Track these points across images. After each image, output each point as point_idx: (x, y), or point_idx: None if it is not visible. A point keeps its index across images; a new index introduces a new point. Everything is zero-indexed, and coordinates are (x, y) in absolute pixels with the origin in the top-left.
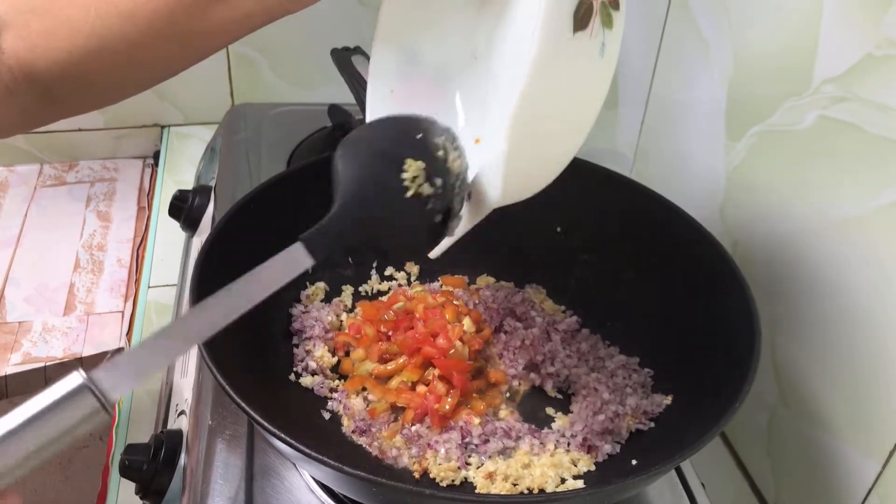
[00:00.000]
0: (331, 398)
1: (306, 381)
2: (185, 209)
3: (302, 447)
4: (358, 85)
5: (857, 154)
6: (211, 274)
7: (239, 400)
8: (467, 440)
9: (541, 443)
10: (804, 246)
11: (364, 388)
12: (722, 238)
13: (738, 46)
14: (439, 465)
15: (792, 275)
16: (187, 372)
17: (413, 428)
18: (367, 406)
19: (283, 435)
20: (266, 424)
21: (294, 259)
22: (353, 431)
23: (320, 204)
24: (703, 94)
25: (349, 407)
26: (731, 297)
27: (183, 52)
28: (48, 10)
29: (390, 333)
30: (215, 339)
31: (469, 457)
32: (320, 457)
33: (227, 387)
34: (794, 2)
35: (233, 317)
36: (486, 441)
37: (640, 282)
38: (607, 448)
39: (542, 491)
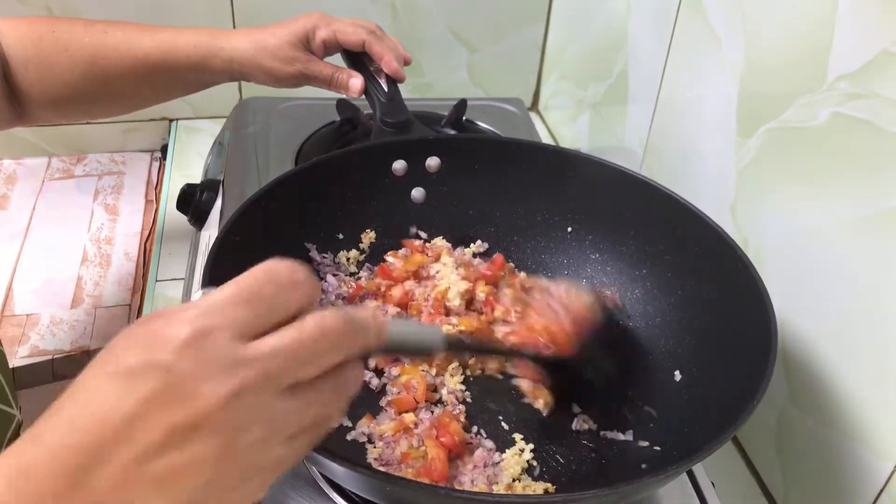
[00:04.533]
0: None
1: None
2: (193, 203)
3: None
4: (368, 81)
5: (871, 151)
6: (222, 270)
7: None
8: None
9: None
10: (816, 244)
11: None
12: (732, 235)
13: (751, 42)
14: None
15: (803, 273)
16: None
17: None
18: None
19: None
20: None
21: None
22: (374, 459)
23: (329, 200)
24: (715, 90)
25: (381, 440)
26: (746, 298)
27: (165, 97)
28: (41, 61)
29: None
30: None
31: (497, 477)
32: (333, 456)
33: None
34: None
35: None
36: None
37: (652, 280)
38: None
39: (557, 492)
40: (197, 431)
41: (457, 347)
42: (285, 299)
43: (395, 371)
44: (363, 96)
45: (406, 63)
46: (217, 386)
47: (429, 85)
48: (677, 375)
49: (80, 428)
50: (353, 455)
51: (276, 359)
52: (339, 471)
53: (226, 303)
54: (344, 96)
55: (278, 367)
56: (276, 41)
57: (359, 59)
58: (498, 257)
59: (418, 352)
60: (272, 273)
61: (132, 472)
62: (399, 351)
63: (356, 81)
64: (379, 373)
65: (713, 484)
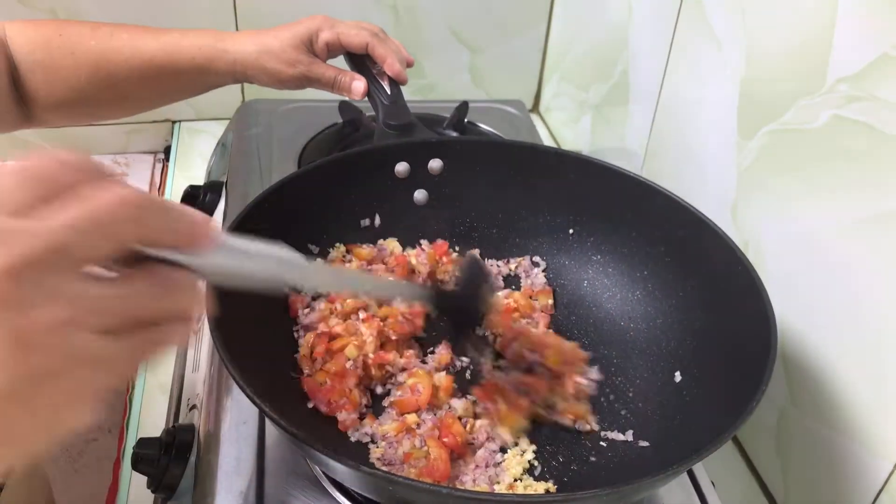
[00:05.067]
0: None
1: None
2: (196, 205)
3: (318, 446)
4: (371, 83)
5: (871, 153)
6: None
7: (254, 396)
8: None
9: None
10: (816, 246)
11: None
12: (732, 236)
13: (751, 44)
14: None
15: (803, 274)
16: (199, 367)
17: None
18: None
19: (298, 432)
20: (281, 422)
21: (416, 292)
22: (377, 459)
23: (332, 202)
24: (715, 91)
25: (383, 441)
26: (746, 299)
27: (169, 100)
28: (48, 65)
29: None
30: (230, 333)
31: (499, 476)
32: (337, 456)
33: (242, 383)
34: (808, 0)
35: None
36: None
37: (654, 282)
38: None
39: (558, 491)
40: None
41: (316, 280)
42: (75, 177)
43: (401, 377)
44: (366, 99)
45: (408, 65)
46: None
47: (430, 86)
48: (678, 376)
49: None
50: (356, 455)
51: (64, 227)
52: (342, 470)
53: (8, 181)
54: (346, 98)
55: (67, 237)
56: (279, 43)
57: (362, 61)
58: (440, 245)
59: (263, 281)
60: (59, 155)
61: None
62: (238, 283)
63: (359, 84)
64: (386, 377)
65: (713, 483)
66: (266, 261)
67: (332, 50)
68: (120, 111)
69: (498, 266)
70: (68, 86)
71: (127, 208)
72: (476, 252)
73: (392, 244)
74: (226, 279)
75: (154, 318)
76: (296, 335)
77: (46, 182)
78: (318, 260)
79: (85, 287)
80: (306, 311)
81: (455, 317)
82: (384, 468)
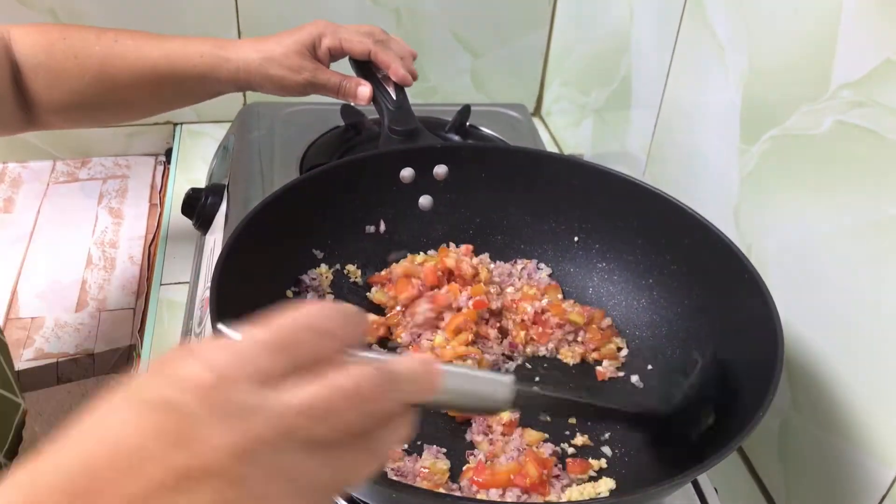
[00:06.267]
0: None
1: None
2: (197, 207)
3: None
4: (376, 89)
5: (874, 159)
6: (230, 277)
7: None
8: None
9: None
10: (819, 252)
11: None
12: (735, 241)
13: (754, 49)
14: None
15: (806, 279)
16: None
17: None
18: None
19: None
20: None
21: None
22: (390, 469)
23: (337, 208)
24: (718, 96)
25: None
26: (752, 309)
27: (171, 106)
28: (51, 68)
29: None
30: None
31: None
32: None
33: None
34: (811, 5)
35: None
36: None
37: (659, 290)
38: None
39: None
40: (204, 478)
41: (528, 402)
42: (322, 347)
43: None
44: (368, 104)
45: (413, 57)
46: (228, 433)
47: (432, 90)
48: (683, 385)
49: (89, 450)
50: None
51: (297, 413)
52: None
53: (258, 348)
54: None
55: (297, 422)
56: (282, 50)
57: (367, 66)
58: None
59: (480, 409)
60: (311, 318)
61: None
62: (455, 406)
63: (364, 89)
64: None
65: (716, 490)
66: (473, 390)
67: (335, 55)
68: (122, 116)
69: (502, 265)
70: (71, 89)
71: (363, 395)
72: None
73: (422, 258)
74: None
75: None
76: None
77: (290, 352)
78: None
79: (302, 462)
80: None
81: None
82: (396, 479)
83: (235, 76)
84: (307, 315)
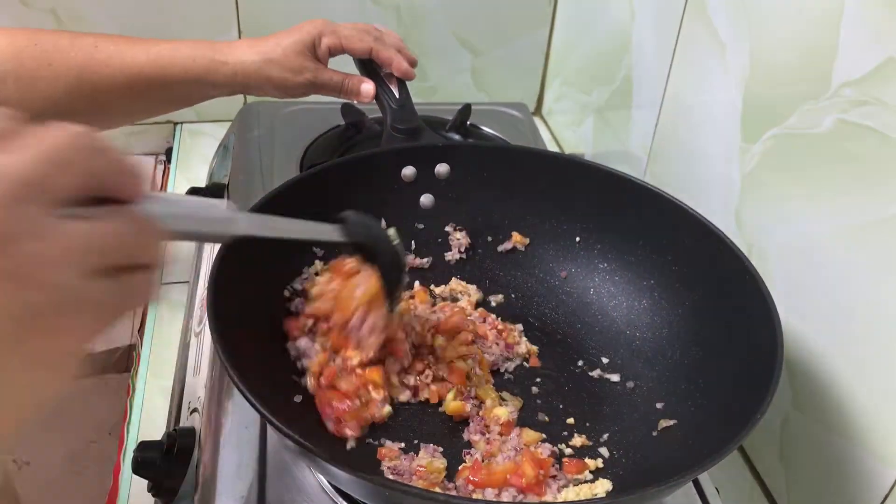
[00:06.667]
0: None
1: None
2: None
3: (320, 453)
4: (379, 87)
5: (876, 158)
6: (229, 275)
7: (256, 403)
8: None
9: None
10: (821, 251)
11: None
12: (736, 241)
13: (756, 48)
14: None
15: (808, 278)
16: (200, 370)
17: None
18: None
19: (300, 439)
20: (284, 429)
21: (328, 230)
22: (387, 468)
23: (338, 206)
24: (719, 95)
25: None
26: (753, 310)
27: (159, 111)
28: (21, 76)
29: None
30: (231, 338)
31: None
32: (338, 464)
33: (244, 390)
34: (813, 3)
35: (268, 235)
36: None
37: (660, 291)
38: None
39: (559, 500)
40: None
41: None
42: (17, 124)
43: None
44: (372, 102)
45: (412, 64)
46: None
47: (433, 89)
48: (683, 385)
49: None
50: (362, 464)
51: (32, 162)
52: (349, 480)
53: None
54: (350, 101)
55: (37, 169)
56: (282, 51)
57: (369, 64)
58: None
59: (215, 238)
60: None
61: None
62: (184, 224)
63: (368, 87)
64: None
65: (717, 490)
66: (198, 211)
67: (335, 54)
68: (105, 123)
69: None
70: (44, 97)
71: (82, 140)
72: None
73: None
74: (170, 228)
75: (130, 260)
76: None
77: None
78: (246, 212)
79: (67, 225)
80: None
81: (374, 251)
82: (393, 477)
83: (232, 79)
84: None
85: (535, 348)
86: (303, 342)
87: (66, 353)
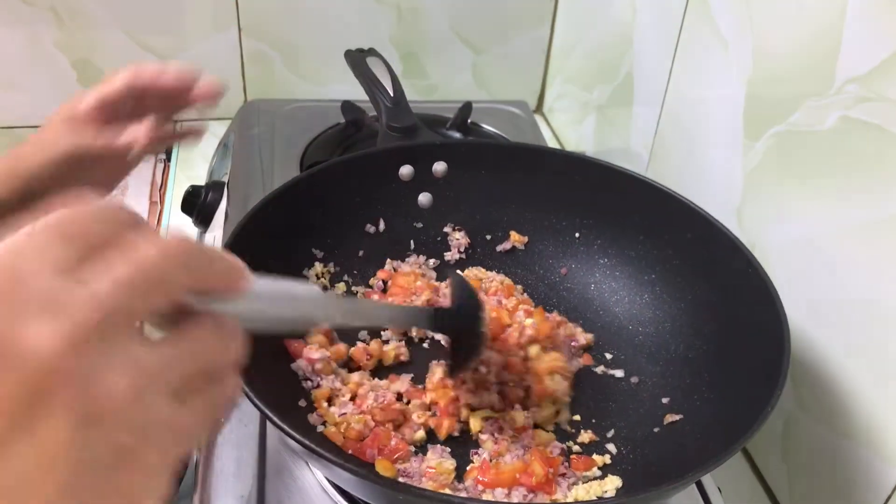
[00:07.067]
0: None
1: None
2: (197, 205)
3: (326, 453)
4: (372, 86)
5: (880, 155)
6: None
7: (258, 402)
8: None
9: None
10: (824, 249)
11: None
12: (739, 238)
13: (758, 44)
14: None
15: (811, 277)
16: None
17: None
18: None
19: (304, 440)
20: (288, 430)
21: (421, 314)
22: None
23: (336, 206)
24: (721, 92)
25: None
26: (757, 302)
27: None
28: None
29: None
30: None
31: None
32: (345, 464)
33: (246, 388)
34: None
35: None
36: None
37: (662, 285)
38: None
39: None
40: (38, 401)
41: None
42: (112, 231)
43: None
44: (369, 100)
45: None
46: (44, 329)
47: (433, 87)
48: (687, 381)
49: None
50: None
51: (116, 289)
52: (350, 479)
53: (47, 236)
54: (349, 98)
55: (120, 298)
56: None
57: (358, 60)
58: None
59: (291, 329)
60: (95, 209)
61: None
62: (264, 324)
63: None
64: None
65: (720, 489)
66: (290, 301)
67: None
68: None
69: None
70: None
71: (173, 257)
72: (459, 272)
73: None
74: (256, 324)
75: (214, 371)
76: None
77: (83, 237)
78: (334, 297)
79: (145, 350)
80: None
81: (459, 337)
82: (402, 479)
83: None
84: (85, 204)
85: None
86: (311, 367)
87: (155, 481)
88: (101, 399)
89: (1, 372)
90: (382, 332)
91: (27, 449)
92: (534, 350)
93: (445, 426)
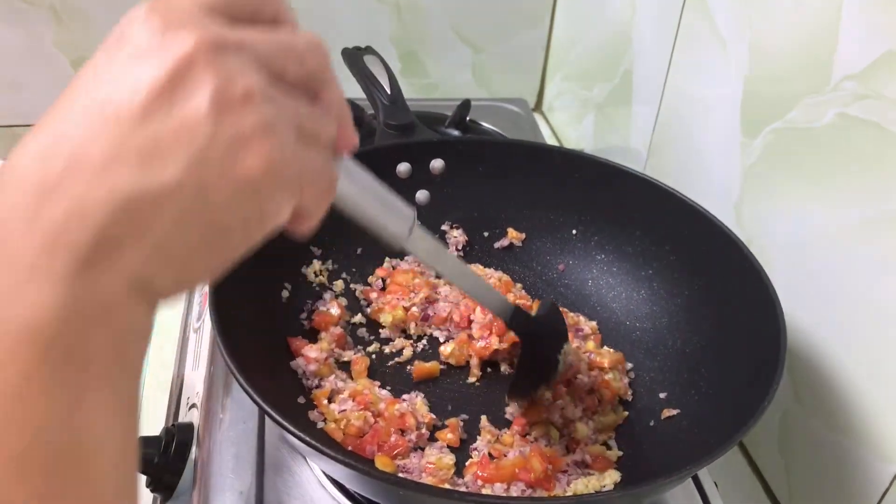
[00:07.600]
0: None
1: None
2: None
3: (327, 450)
4: (369, 83)
5: (877, 152)
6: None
7: (258, 399)
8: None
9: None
10: (822, 245)
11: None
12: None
13: (756, 42)
14: None
15: (808, 273)
16: (199, 365)
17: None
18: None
19: (304, 436)
20: (289, 426)
21: (502, 303)
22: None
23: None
24: (719, 90)
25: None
26: (753, 297)
27: None
28: None
29: None
30: (232, 332)
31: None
32: (346, 460)
33: (245, 385)
34: None
35: (438, 268)
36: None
37: (659, 281)
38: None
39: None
40: (181, 80)
41: (426, 249)
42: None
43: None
44: (366, 97)
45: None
46: (194, 30)
47: (433, 85)
48: (684, 376)
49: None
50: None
51: (259, 35)
52: (350, 475)
53: None
54: (346, 96)
55: (260, 42)
56: None
57: (355, 58)
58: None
59: (374, 227)
60: None
61: (116, 149)
62: (352, 207)
63: None
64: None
65: (716, 484)
66: (382, 201)
67: None
68: None
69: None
70: None
71: (317, 50)
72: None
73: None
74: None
75: (322, 135)
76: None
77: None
78: (422, 231)
79: (275, 90)
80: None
81: (533, 344)
82: (402, 475)
83: None
84: None
85: None
86: (312, 367)
87: (276, 184)
88: (237, 89)
89: (157, 51)
90: (381, 330)
91: (166, 117)
92: (590, 345)
93: (450, 439)
